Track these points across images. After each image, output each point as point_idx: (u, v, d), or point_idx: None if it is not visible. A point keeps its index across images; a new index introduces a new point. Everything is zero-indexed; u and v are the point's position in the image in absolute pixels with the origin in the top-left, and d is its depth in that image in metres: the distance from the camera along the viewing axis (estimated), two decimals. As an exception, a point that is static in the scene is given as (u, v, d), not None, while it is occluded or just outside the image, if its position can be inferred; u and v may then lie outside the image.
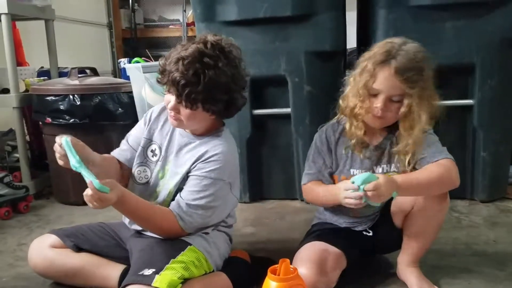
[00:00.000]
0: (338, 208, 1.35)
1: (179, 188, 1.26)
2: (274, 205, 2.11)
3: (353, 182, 1.11)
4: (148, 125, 1.36)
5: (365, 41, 2.05)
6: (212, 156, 1.23)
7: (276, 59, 1.96)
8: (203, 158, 1.24)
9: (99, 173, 1.15)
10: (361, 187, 1.10)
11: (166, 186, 1.29)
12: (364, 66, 1.22)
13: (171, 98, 1.19)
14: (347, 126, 1.29)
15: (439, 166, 1.18)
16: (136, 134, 1.39)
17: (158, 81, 1.23)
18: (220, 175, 1.23)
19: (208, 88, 1.13)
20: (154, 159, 1.34)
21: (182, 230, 1.23)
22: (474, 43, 1.86)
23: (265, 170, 2.17)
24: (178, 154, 1.30)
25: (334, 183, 1.34)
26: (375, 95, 1.21)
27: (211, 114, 1.22)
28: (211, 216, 1.26)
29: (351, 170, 1.30)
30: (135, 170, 1.35)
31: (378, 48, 1.22)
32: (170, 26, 4.81)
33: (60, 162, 1.21)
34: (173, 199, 1.26)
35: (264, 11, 1.89)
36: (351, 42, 2.21)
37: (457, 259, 1.48)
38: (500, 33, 1.84)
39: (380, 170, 1.29)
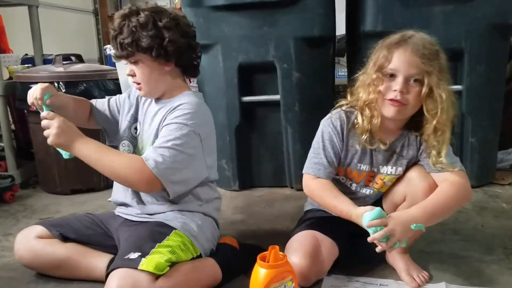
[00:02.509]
0: None
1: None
2: (264, 193, 2.11)
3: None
4: (135, 102, 1.40)
5: (354, 27, 2.03)
6: (179, 105, 1.26)
7: (264, 45, 1.94)
8: (170, 110, 1.27)
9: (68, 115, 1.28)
10: (370, 229, 1.09)
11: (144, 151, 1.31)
12: (377, 55, 1.17)
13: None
14: (359, 120, 1.21)
15: (453, 186, 1.16)
16: (118, 100, 1.43)
17: (114, 59, 1.33)
18: (186, 120, 1.23)
19: (131, 30, 1.22)
20: (136, 134, 1.37)
21: (154, 174, 1.17)
22: (462, 29, 1.85)
23: (255, 158, 2.16)
24: (151, 122, 1.32)
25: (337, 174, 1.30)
26: (392, 77, 1.14)
27: (155, 58, 1.23)
28: (183, 163, 1.22)
29: (359, 165, 1.28)
30: (120, 143, 1.39)
31: (391, 37, 1.18)
32: (158, 13, 4.73)
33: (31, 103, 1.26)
34: None
35: (252, -4, 1.86)
36: (340, 28, 2.19)
37: (446, 244, 1.49)
38: (488, 19, 1.84)
39: (385, 170, 1.26)
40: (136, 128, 1.37)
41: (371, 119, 1.19)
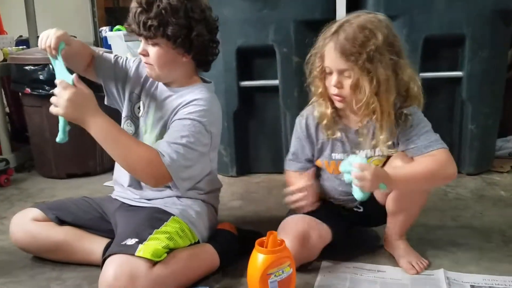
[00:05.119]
0: (326, 191, 1.35)
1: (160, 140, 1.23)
2: (262, 179, 2.10)
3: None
4: (142, 81, 1.32)
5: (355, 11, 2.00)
6: (193, 100, 1.22)
7: (264, 28, 1.91)
8: (183, 104, 1.22)
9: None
10: (349, 167, 1.09)
11: (148, 140, 1.27)
12: (317, 47, 1.19)
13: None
14: (317, 108, 1.26)
15: (433, 160, 1.14)
16: (126, 63, 1.35)
17: (127, 31, 1.24)
18: (200, 117, 1.19)
19: (160, 12, 1.14)
20: (139, 114, 1.32)
21: (167, 170, 1.14)
22: (465, 14, 1.83)
23: (253, 143, 2.14)
24: (158, 107, 1.28)
25: (316, 169, 1.33)
26: (329, 73, 1.17)
27: (175, 47, 1.18)
28: (193, 160, 1.19)
29: (333, 155, 1.28)
30: (124, 123, 1.34)
31: (331, 25, 1.18)
32: (154, -5, 4.67)
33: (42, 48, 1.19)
34: None
35: (252, -23, 1.83)
36: (341, 13, 2.15)
37: (444, 232, 1.48)
38: (491, 4, 1.82)
39: (363, 154, 1.24)
40: (139, 107, 1.33)
41: (326, 107, 1.23)
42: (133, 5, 1.18)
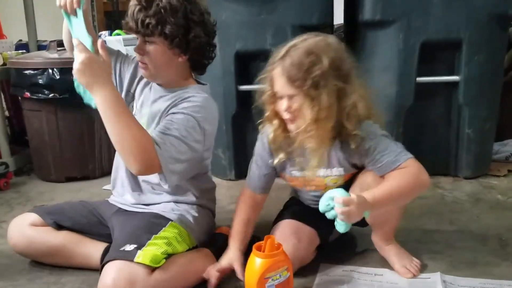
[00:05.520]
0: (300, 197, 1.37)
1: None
2: (260, 182, 2.10)
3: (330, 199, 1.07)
4: (136, 80, 1.33)
5: (352, 16, 2.01)
6: (188, 97, 1.22)
7: (262, 32, 1.91)
8: (178, 100, 1.22)
9: None
10: (331, 202, 1.05)
11: None
12: (268, 70, 1.18)
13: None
14: (268, 132, 1.25)
15: (404, 173, 1.13)
16: (127, 58, 1.36)
17: (125, 31, 1.23)
18: (194, 112, 1.19)
19: (159, 10, 1.15)
20: (133, 113, 1.32)
21: (158, 159, 1.11)
22: (462, 18, 1.84)
23: (251, 147, 2.12)
24: (152, 106, 1.28)
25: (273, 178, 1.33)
26: (281, 98, 1.15)
27: (172, 47, 1.18)
28: (185, 154, 1.16)
29: (293, 172, 1.28)
30: None
31: (280, 48, 1.15)
32: (154, -1, 4.69)
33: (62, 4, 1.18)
34: None
35: (250, -19, 1.84)
36: (338, 18, 2.17)
37: (441, 235, 1.49)
38: (488, 8, 1.83)
39: (320, 173, 1.24)
40: (133, 107, 1.34)
41: (275, 134, 1.22)
42: (132, 3, 1.19)
